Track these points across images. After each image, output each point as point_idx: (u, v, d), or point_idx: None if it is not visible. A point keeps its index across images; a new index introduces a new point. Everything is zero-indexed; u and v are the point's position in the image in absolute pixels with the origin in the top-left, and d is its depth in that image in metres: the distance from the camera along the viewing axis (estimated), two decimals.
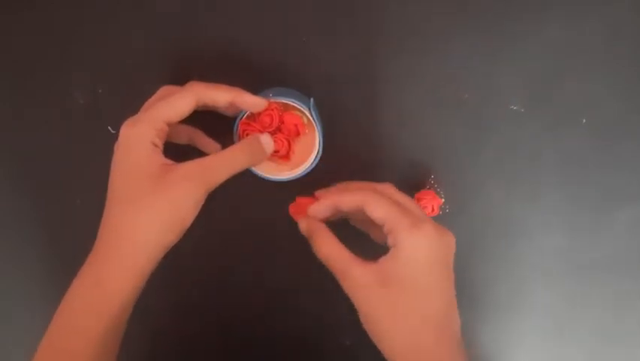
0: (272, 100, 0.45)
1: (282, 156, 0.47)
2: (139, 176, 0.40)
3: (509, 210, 0.52)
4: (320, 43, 0.50)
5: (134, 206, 0.39)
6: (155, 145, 0.41)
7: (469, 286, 0.53)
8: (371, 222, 0.42)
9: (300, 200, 0.45)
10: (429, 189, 0.51)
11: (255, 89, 0.45)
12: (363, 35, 0.50)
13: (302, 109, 0.46)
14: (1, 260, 0.53)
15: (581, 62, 0.50)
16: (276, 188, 0.48)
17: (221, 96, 0.43)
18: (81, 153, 0.52)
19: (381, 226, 0.41)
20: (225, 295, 0.54)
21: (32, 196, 0.52)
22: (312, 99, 0.46)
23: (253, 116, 0.46)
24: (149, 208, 0.39)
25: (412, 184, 0.51)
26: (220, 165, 0.41)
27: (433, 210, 0.50)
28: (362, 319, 0.40)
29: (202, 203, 0.41)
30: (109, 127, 0.51)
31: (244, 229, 0.52)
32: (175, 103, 0.42)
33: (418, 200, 0.50)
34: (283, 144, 0.46)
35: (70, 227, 0.52)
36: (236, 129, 0.46)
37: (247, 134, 0.46)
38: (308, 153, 0.47)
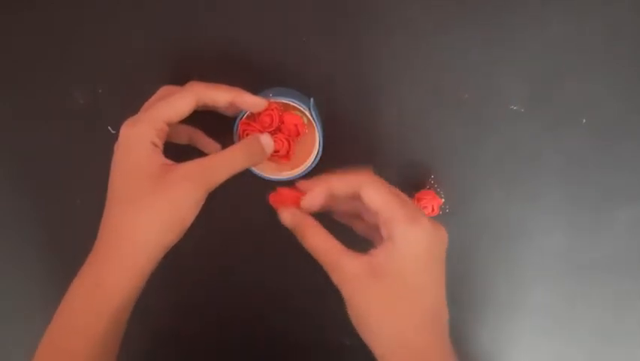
0: (272, 100, 0.45)
1: (282, 156, 0.47)
2: (139, 176, 0.40)
3: (509, 210, 0.52)
4: (320, 43, 0.50)
5: (134, 206, 0.39)
6: (155, 145, 0.41)
7: (469, 286, 0.53)
8: (356, 215, 0.42)
9: (282, 190, 0.44)
10: (429, 189, 0.51)
11: (255, 89, 0.45)
12: (363, 35, 0.50)
13: (302, 109, 0.46)
14: (1, 260, 0.53)
15: (581, 61, 0.50)
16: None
17: (221, 96, 0.43)
18: (81, 153, 0.52)
19: (368, 220, 0.40)
20: (225, 295, 0.54)
21: (32, 196, 0.52)
22: (312, 99, 0.46)
23: (253, 116, 0.46)
24: (149, 208, 0.39)
25: (412, 184, 0.51)
26: (220, 165, 0.41)
27: (433, 210, 0.50)
28: (350, 312, 0.39)
29: (202, 203, 0.41)
30: (109, 127, 0.51)
31: (244, 229, 0.53)
32: (175, 103, 0.42)
33: (418, 200, 0.50)
34: (283, 144, 0.46)
35: (70, 227, 0.52)
36: (236, 129, 0.46)
37: (247, 134, 0.46)
38: (308, 153, 0.47)
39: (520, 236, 0.52)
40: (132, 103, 0.44)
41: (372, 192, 0.39)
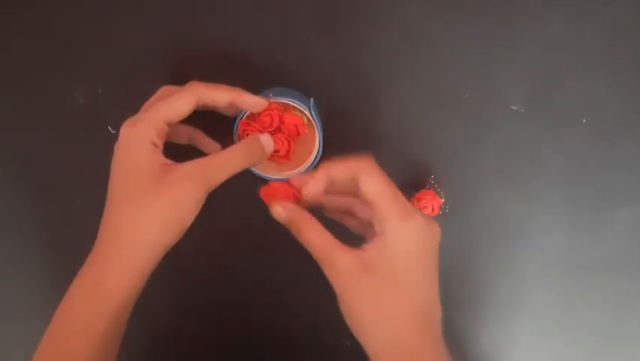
0: (272, 100, 0.45)
1: (282, 156, 0.47)
2: (139, 176, 0.40)
3: (509, 210, 0.52)
4: (320, 43, 0.50)
5: (134, 206, 0.39)
6: (155, 145, 0.41)
7: (469, 286, 0.53)
8: (348, 211, 0.41)
9: (274, 184, 0.43)
10: (429, 189, 0.51)
11: (255, 89, 0.45)
12: (363, 35, 0.50)
13: (302, 109, 0.46)
14: (1, 260, 0.53)
15: (581, 61, 0.50)
16: None
17: (221, 96, 0.43)
18: (81, 153, 0.52)
19: (360, 216, 0.40)
20: (225, 295, 0.54)
21: (32, 196, 0.52)
22: (312, 99, 0.46)
23: (253, 116, 0.46)
24: (149, 208, 0.39)
25: (412, 184, 0.51)
26: (220, 165, 0.41)
27: (433, 210, 0.50)
28: (342, 308, 0.39)
29: (202, 203, 0.41)
30: (109, 127, 0.51)
31: (244, 229, 0.53)
32: (175, 103, 0.42)
33: (418, 200, 0.50)
34: (283, 144, 0.46)
35: (70, 227, 0.52)
36: (236, 129, 0.46)
37: (247, 135, 0.46)
38: (308, 153, 0.47)
39: (520, 236, 0.52)
40: (132, 103, 0.44)
41: (370, 181, 0.38)
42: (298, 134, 0.47)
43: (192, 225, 0.41)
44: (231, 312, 0.54)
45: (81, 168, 0.52)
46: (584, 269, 0.52)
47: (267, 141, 0.45)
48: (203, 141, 0.48)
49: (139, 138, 0.40)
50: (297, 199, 0.42)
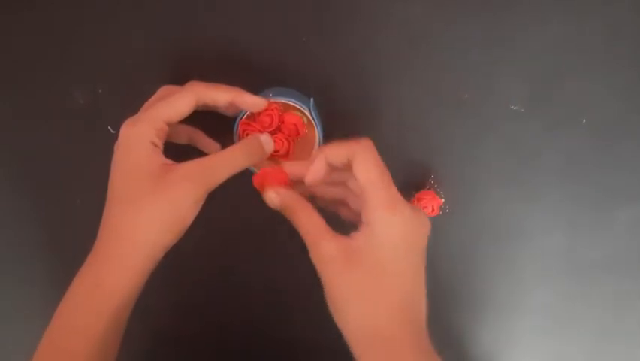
0: (272, 100, 0.45)
1: (281, 155, 0.47)
2: (139, 176, 0.40)
3: (509, 210, 0.52)
4: (320, 43, 0.50)
5: (134, 206, 0.39)
6: (155, 145, 0.41)
7: (469, 286, 0.53)
8: (341, 201, 0.41)
9: (266, 170, 0.43)
10: (429, 189, 0.51)
11: (255, 89, 0.45)
12: (364, 35, 0.50)
13: (302, 109, 0.46)
14: (1, 260, 0.53)
15: (581, 61, 0.50)
16: None
17: (221, 96, 0.43)
18: (81, 153, 0.52)
19: (353, 206, 0.39)
20: (225, 295, 0.54)
21: (32, 196, 0.52)
22: (312, 99, 0.46)
23: (253, 116, 0.46)
24: (149, 208, 0.39)
25: (412, 184, 0.51)
26: (220, 165, 0.41)
27: (433, 210, 0.50)
28: (326, 293, 0.39)
29: (202, 203, 0.41)
30: (109, 127, 0.51)
31: (244, 229, 0.53)
32: (175, 103, 0.42)
33: (418, 200, 0.50)
34: (283, 144, 0.46)
35: (70, 227, 0.52)
36: (236, 129, 0.46)
37: (247, 134, 0.46)
38: (308, 153, 0.47)
39: (520, 236, 0.52)
40: (132, 103, 0.44)
41: (362, 167, 0.38)
42: (298, 134, 0.47)
43: (192, 225, 0.41)
44: (231, 312, 0.54)
45: (81, 168, 0.52)
46: (584, 269, 0.52)
47: (266, 141, 0.45)
48: (203, 141, 0.48)
49: (139, 138, 0.40)
50: (289, 185, 0.42)
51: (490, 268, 0.52)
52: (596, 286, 0.52)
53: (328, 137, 0.47)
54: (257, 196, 0.50)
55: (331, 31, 0.50)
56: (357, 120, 0.51)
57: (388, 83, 0.50)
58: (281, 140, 0.46)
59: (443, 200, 0.51)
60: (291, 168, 0.42)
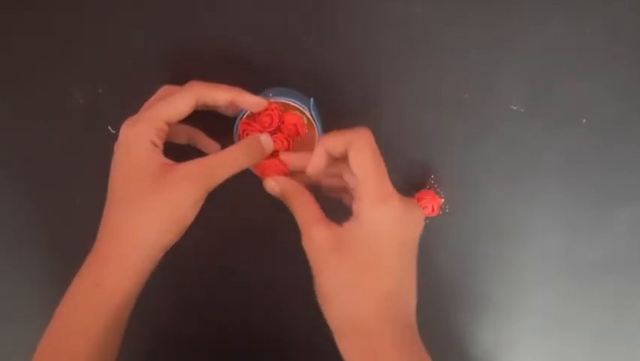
0: (272, 100, 0.45)
1: None
2: (139, 176, 0.40)
3: (509, 210, 0.52)
4: (320, 43, 0.50)
5: (134, 206, 0.39)
6: (155, 145, 0.41)
7: (469, 286, 0.53)
8: (345, 188, 0.41)
9: (265, 161, 0.45)
10: (429, 189, 0.51)
11: (255, 89, 0.45)
12: (363, 35, 0.50)
13: (302, 109, 0.46)
14: (1, 260, 0.53)
15: (581, 61, 0.50)
16: None
17: (221, 96, 0.43)
18: (81, 153, 0.52)
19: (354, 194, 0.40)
20: (225, 295, 0.54)
21: (32, 196, 0.52)
22: (312, 99, 0.46)
23: (253, 116, 0.46)
24: (149, 208, 0.39)
25: (412, 184, 0.51)
26: (220, 164, 0.41)
27: (433, 210, 0.50)
28: (314, 281, 0.39)
29: (202, 203, 0.41)
30: (109, 127, 0.51)
31: (244, 229, 0.53)
32: (175, 103, 0.42)
33: (418, 200, 0.50)
34: (283, 144, 0.46)
35: (70, 227, 0.52)
36: (236, 129, 0.46)
37: (247, 134, 0.46)
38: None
39: (520, 236, 0.52)
40: (132, 103, 0.44)
41: (356, 156, 0.38)
42: (298, 134, 0.47)
43: (192, 225, 0.41)
44: (231, 312, 0.54)
45: (81, 168, 0.52)
46: (584, 269, 0.52)
47: (266, 141, 0.45)
48: (203, 141, 0.48)
49: (139, 138, 0.40)
50: (287, 175, 0.44)
51: (490, 268, 0.52)
52: (596, 286, 0.52)
53: None
54: (257, 196, 0.50)
55: (331, 31, 0.50)
56: (357, 120, 0.50)
57: (388, 83, 0.50)
58: (280, 140, 0.46)
59: (443, 200, 0.51)
60: (290, 158, 0.43)
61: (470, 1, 0.49)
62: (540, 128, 0.50)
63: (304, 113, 0.46)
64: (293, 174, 0.44)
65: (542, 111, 0.50)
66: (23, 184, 0.52)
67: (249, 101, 0.44)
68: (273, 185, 0.42)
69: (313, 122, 0.46)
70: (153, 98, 0.44)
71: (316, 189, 0.43)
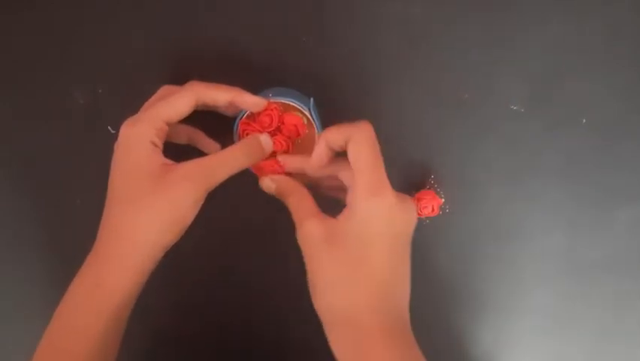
0: (271, 100, 0.45)
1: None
2: (139, 176, 0.40)
3: (509, 210, 0.52)
4: (320, 43, 0.50)
5: (134, 206, 0.39)
6: (155, 145, 0.41)
7: (469, 286, 0.53)
8: (343, 188, 0.41)
9: (262, 162, 0.45)
10: (429, 189, 0.51)
11: (255, 89, 0.45)
12: (363, 35, 0.50)
13: (302, 109, 0.46)
14: (1, 260, 0.53)
15: (581, 61, 0.50)
16: None
17: (221, 96, 0.43)
18: (81, 153, 0.52)
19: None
20: (226, 295, 0.54)
21: (32, 196, 0.52)
22: (312, 99, 0.46)
23: (253, 116, 0.46)
24: (149, 208, 0.39)
25: (412, 184, 0.51)
26: (220, 164, 0.41)
27: (433, 210, 0.50)
28: (307, 273, 0.39)
29: (202, 203, 0.41)
30: (109, 127, 0.51)
31: (244, 229, 0.53)
32: (175, 103, 0.42)
33: (418, 200, 0.50)
34: (282, 145, 0.46)
35: (70, 227, 0.52)
36: (236, 129, 0.46)
37: (247, 134, 0.46)
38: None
39: (520, 236, 0.52)
40: (132, 103, 0.44)
41: (354, 149, 0.38)
42: (298, 134, 0.47)
43: (192, 225, 0.41)
44: (231, 312, 0.54)
45: (81, 168, 0.52)
46: (584, 269, 0.52)
47: (266, 141, 0.45)
48: (203, 141, 0.48)
49: (139, 138, 0.40)
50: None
51: (490, 268, 0.52)
52: (596, 286, 0.52)
53: None
54: (257, 196, 0.50)
55: (331, 31, 0.50)
56: (357, 120, 0.51)
57: (388, 83, 0.50)
58: (280, 142, 0.46)
59: (443, 200, 0.51)
60: (287, 160, 0.44)
61: (470, 1, 0.49)
62: (540, 128, 0.50)
63: (304, 114, 0.46)
64: (291, 175, 0.45)
65: (542, 111, 0.50)
66: (23, 184, 0.52)
67: (249, 101, 0.44)
68: (270, 183, 0.43)
69: (313, 122, 0.46)
70: (153, 98, 0.44)
71: (315, 189, 0.44)
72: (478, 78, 0.50)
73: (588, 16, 0.49)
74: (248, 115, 0.46)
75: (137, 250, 0.39)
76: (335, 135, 0.39)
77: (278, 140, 0.46)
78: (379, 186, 0.37)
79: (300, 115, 0.47)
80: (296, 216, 0.40)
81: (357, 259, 0.37)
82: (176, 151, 0.44)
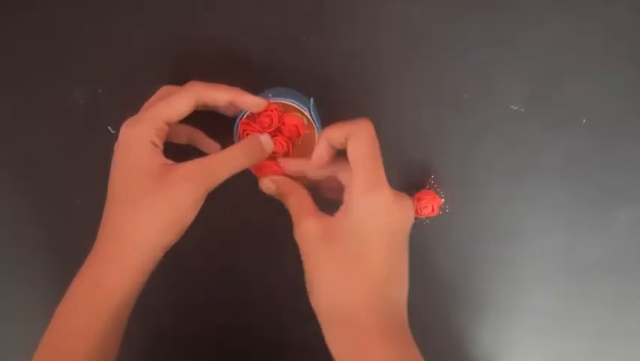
0: (271, 101, 0.45)
1: (281, 157, 0.47)
2: (139, 176, 0.40)
3: (509, 210, 0.52)
4: (320, 43, 0.50)
5: (134, 206, 0.39)
6: (155, 145, 0.41)
7: (469, 286, 0.53)
8: (341, 187, 0.41)
9: (262, 162, 0.45)
10: (429, 189, 0.51)
11: (255, 89, 0.45)
12: (363, 35, 0.50)
13: (302, 110, 0.46)
14: (1, 260, 0.53)
15: (581, 61, 0.50)
16: None
17: (221, 96, 0.43)
18: (81, 153, 0.52)
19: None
20: (226, 295, 0.54)
21: (32, 196, 0.52)
22: (312, 99, 0.46)
23: (253, 116, 0.46)
24: (149, 208, 0.39)
25: (412, 184, 0.51)
26: (220, 165, 0.41)
27: (433, 210, 0.50)
28: (304, 272, 0.39)
29: (202, 203, 0.41)
30: (109, 127, 0.51)
31: (244, 229, 0.53)
32: (175, 103, 0.42)
33: (418, 200, 0.50)
34: (283, 147, 0.46)
35: (70, 227, 0.52)
36: (236, 129, 0.46)
37: (247, 135, 0.46)
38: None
39: (519, 236, 0.52)
40: (132, 103, 0.44)
41: (353, 146, 0.38)
42: (299, 135, 0.47)
43: (192, 225, 0.41)
44: (231, 312, 0.54)
45: (81, 168, 0.52)
46: (584, 269, 0.52)
47: (266, 141, 0.45)
48: (203, 141, 0.48)
49: (139, 138, 0.40)
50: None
51: (490, 268, 0.52)
52: (596, 286, 0.52)
53: None
54: (257, 196, 0.50)
55: (331, 31, 0.50)
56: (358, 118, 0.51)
57: (388, 83, 0.50)
58: (280, 143, 0.46)
59: (443, 200, 0.51)
60: (287, 163, 0.44)
61: (470, 1, 0.49)
62: (540, 128, 0.50)
63: (304, 114, 0.46)
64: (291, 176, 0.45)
65: (542, 111, 0.50)
66: (23, 184, 0.52)
67: (249, 102, 0.44)
68: (269, 184, 0.43)
69: (313, 122, 0.46)
70: (153, 98, 0.44)
71: (314, 191, 0.44)
72: (478, 78, 0.50)
73: (588, 16, 0.49)
74: (248, 115, 0.46)
75: (137, 250, 0.39)
76: (335, 132, 0.39)
77: (278, 140, 0.46)
78: (377, 182, 0.37)
79: (300, 115, 0.47)
80: (294, 214, 0.40)
81: (354, 256, 0.37)
82: (176, 151, 0.44)
